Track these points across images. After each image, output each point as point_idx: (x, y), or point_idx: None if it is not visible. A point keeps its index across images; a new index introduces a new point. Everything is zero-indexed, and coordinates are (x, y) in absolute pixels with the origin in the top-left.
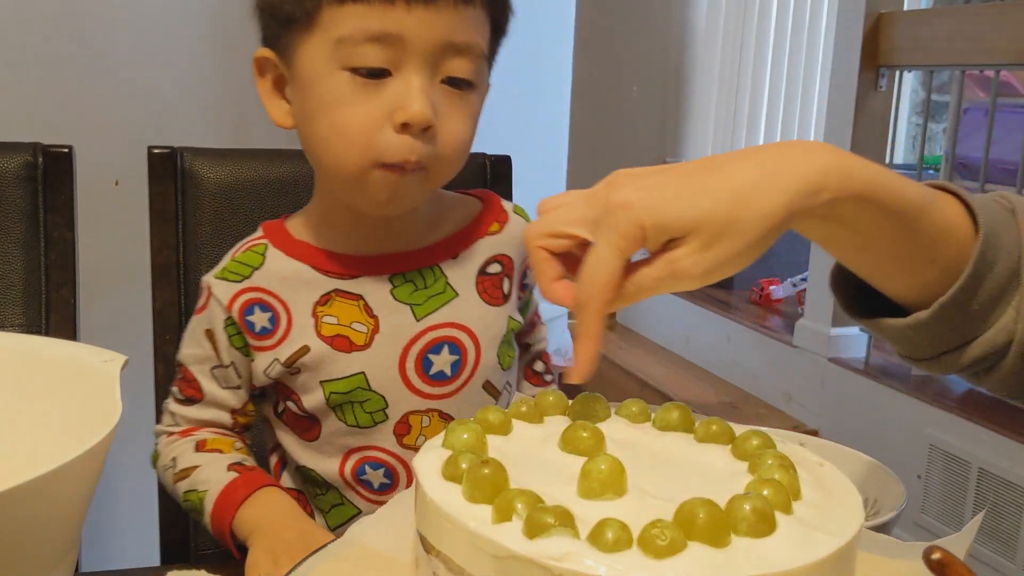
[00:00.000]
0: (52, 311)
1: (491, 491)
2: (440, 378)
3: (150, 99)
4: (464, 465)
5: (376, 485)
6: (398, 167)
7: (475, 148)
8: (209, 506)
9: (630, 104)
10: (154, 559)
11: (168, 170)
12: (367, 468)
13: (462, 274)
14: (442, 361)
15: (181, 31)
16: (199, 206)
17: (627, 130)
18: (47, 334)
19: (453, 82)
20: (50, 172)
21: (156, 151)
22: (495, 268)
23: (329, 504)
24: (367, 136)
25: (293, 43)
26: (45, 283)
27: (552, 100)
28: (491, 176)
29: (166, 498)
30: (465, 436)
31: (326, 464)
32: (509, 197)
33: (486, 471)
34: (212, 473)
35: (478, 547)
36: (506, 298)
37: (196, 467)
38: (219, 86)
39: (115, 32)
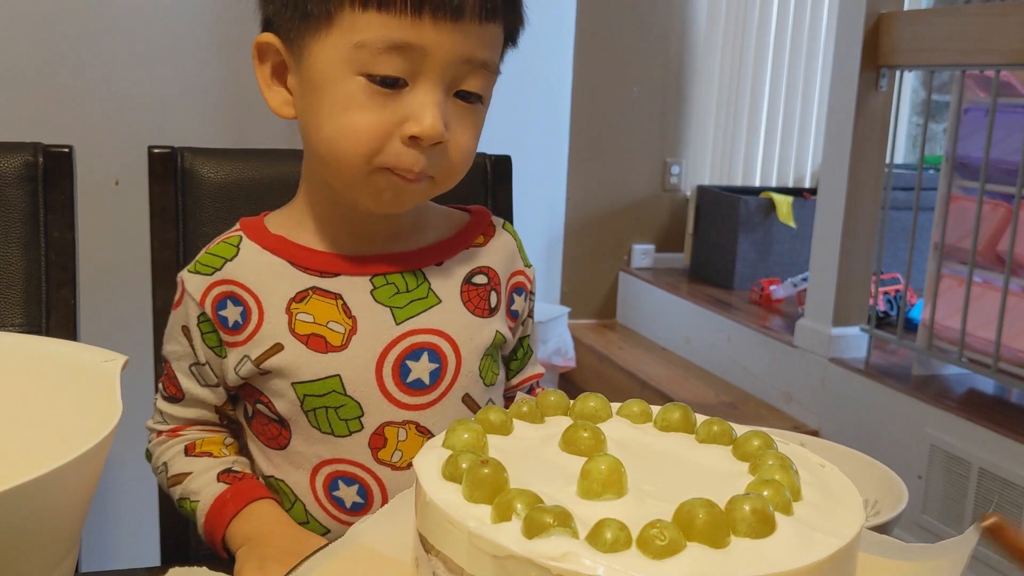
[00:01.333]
0: (52, 311)
1: (491, 491)
2: (418, 387)
3: (150, 99)
4: (464, 465)
5: (348, 504)
6: (403, 176)
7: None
8: (201, 518)
9: (630, 104)
10: (154, 559)
11: (168, 170)
12: (340, 484)
13: (446, 282)
14: (421, 368)
15: (181, 31)
16: (199, 206)
17: (627, 130)
18: (47, 334)
19: (464, 95)
20: (50, 172)
21: (156, 151)
22: (481, 279)
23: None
24: (376, 143)
25: (306, 37)
26: (45, 283)
27: (552, 100)
28: (491, 176)
29: (166, 498)
30: (465, 436)
31: (295, 475)
32: (509, 197)
33: (486, 471)
34: (202, 483)
35: (478, 547)
36: (493, 311)
37: (187, 474)
38: (219, 86)
39: (115, 32)
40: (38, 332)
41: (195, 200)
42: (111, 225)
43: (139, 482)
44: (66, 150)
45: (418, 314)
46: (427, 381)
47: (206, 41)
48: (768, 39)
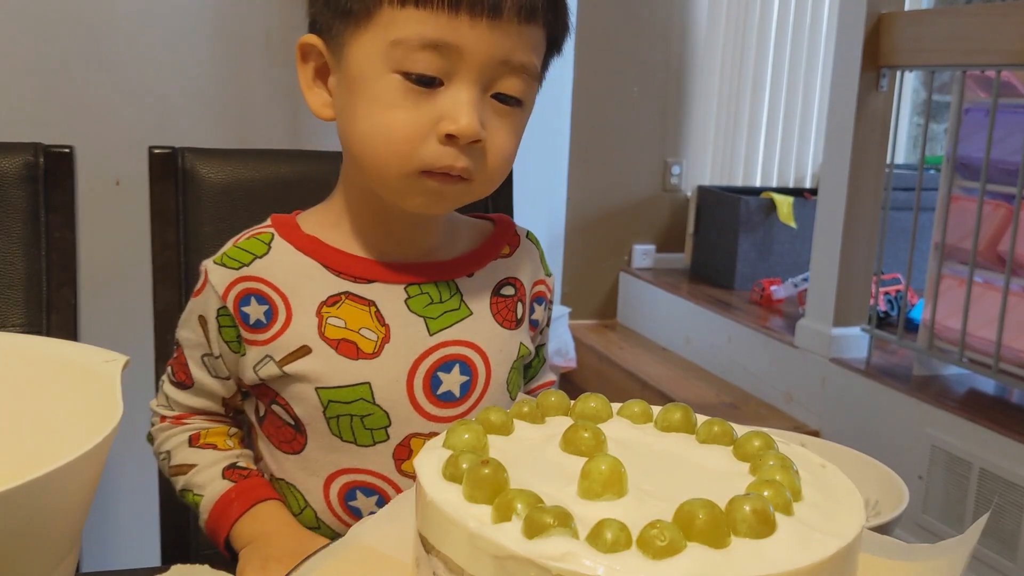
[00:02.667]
0: (53, 311)
1: (491, 491)
2: (448, 399)
3: (151, 99)
4: (464, 465)
5: (366, 514)
6: (442, 175)
7: None
8: (204, 514)
9: (630, 104)
10: (154, 559)
11: (169, 170)
12: (359, 494)
13: (477, 293)
14: (452, 381)
15: (182, 31)
16: (200, 206)
17: (627, 130)
18: (48, 334)
19: (502, 98)
20: (51, 172)
21: (157, 151)
22: (508, 291)
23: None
24: (410, 144)
25: (346, 36)
26: (46, 283)
27: (553, 101)
28: None
29: (166, 498)
30: (466, 436)
31: (308, 482)
32: (510, 198)
33: (486, 471)
34: (207, 478)
35: (478, 547)
36: (519, 323)
37: (192, 466)
38: (220, 86)
39: (116, 32)
40: (39, 332)
41: (196, 200)
42: (112, 225)
43: (139, 482)
44: (67, 150)
45: (450, 325)
46: (457, 393)
47: (207, 41)
48: (769, 39)
